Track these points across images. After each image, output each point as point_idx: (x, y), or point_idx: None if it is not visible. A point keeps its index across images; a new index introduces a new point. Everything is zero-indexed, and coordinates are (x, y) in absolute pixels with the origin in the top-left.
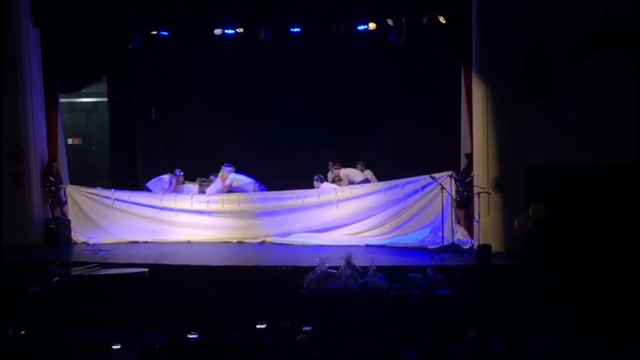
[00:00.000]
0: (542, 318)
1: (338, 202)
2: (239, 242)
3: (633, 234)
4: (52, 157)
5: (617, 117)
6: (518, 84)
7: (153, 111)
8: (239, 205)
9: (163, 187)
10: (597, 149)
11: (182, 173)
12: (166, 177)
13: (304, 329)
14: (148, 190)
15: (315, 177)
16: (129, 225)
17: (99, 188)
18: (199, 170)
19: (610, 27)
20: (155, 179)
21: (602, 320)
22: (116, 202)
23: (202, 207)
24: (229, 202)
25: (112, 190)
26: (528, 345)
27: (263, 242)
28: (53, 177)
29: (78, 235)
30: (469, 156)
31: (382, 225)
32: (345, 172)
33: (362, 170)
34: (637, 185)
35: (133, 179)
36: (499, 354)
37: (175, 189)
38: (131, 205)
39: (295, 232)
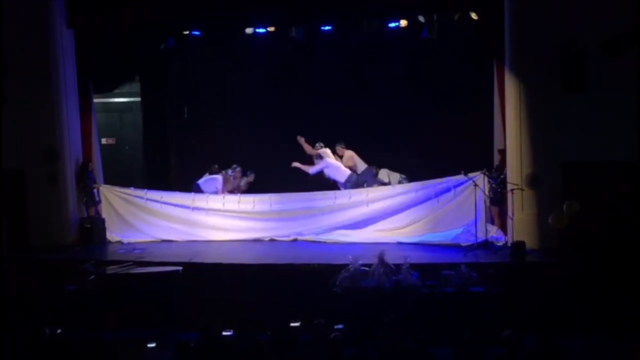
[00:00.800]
0: (578, 316)
1: (369, 202)
2: (271, 240)
3: None
4: (87, 157)
5: None
6: (551, 80)
7: (186, 111)
8: (271, 206)
9: (216, 187)
10: (632, 145)
11: (238, 167)
12: (219, 177)
13: (335, 327)
14: (199, 189)
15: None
16: (161, 224)
17: (132, 188)
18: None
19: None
20: (208, 177)
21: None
22: (148, 202)
23: (234, 207)
24: (261, 202)
25: (145, 190)
26: (566, 345)
27: (295, 240)
28: (88, 177)
29: (112, 234)
30: (502, 152)
31: (415, 223)
32: (351, 153)
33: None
34: None
35: (166, 178)
36: (535, 354)
37: (234, 186)
38: (163, 205)
39: (327, 230)
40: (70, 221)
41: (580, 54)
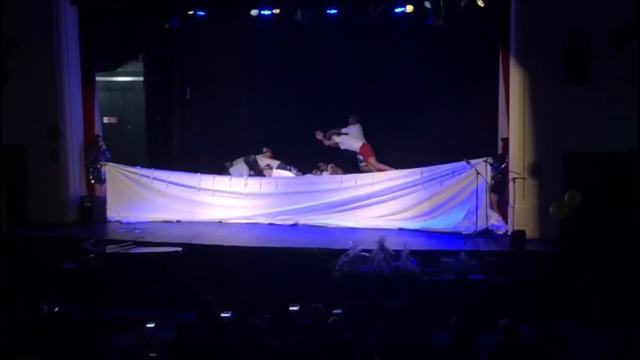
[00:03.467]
0: (578, 305)
1: (374, 183)
2: (271, 224)
3: None
4: (90, 135)
5: None
6: (556, 69)
7: (188, 91)
8: (277, 187)
9: (243, 174)
10: (635, 136)
11: (268, 150)
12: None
13: (334, 311)
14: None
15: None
16: (165, 204)
17: (138, 167)
18: (234, 150)
19: None
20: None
21: (637, 308)
22: (154, 181)
23: (240, 189)
24: (267, 184)
25: (152, 169)
26: (566, 334)
27: (296, 224)
28: (96, 153)
29: (113, 213)
30: (506, 141)
31: (416, 206)
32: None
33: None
34: None
35: (168, 158)
36: (533, 342)
37: (265, 168)
38: (169, 185)
39: (331, 210)
40: (70, 199)
41: (586, 44)
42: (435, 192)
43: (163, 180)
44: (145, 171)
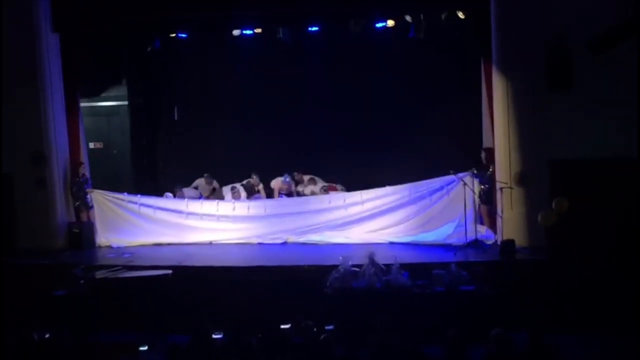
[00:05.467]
0: (568, 314)
1: (363, 202)
2: (261, 243)
3: None
4: (75, 161)
5: None
6: (538, 77)
7: (176, 112)
8: (265, 210)
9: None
10: (620, 142)
11: (255, 176)
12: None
13: (326, 327)
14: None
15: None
16: (153, 229)
17: (125, 194)
18: (221, 172)
19: (631, 19)
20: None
21: (627, 316)
22: (142, 207)
23: (228, 212)
24: (255, 207)
25: (139, 195)
26: (557, 343)
27: (285, 243)
28: (80, 182)
29: (102, 238)
30: (487, 151)
31: (406, 222)
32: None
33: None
34: None
35: (154, 182)
36: (525, 352)
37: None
38: (156, 210)
39: (318, 230)
40: (58, 226)
41: (567, 51)
42: (424, 206)
43: (150, 206)
44: (132, 197)
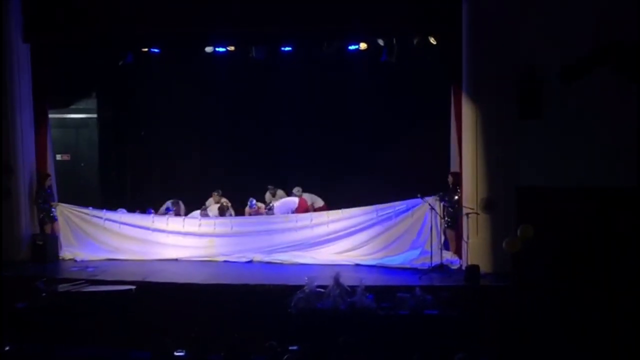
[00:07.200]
0: (531, 339)
1: (329, 222)
2: (226, 261)
3: (625, 255)
4: (42, 173)
5: (610, 138)
6: (509, 105)
7: (142, 132)
8: (232, 228)
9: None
10: (588, 170)
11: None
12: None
13: (290, 348)
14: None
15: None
16: (118, 244)
17: (90, 208)
18: (188, 189)
19: (601, 50)
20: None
21: (590, 343)
22: (107, 222)
23: (194, 229)
24: (222, 225)
25: (104, 210)
26: None
27: (251, 261)
28: (46, 194)
29: (66, 252)
30: (454, 174)
31: (371, 242)
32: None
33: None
34: (635, 206)
35: (122, 195)
36: None
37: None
38: (122, 225)
39: (286, 249)
40: (22, 237)
41: (538, 79)
42: (389, 226)
43: (115, 222)
44: (96, 212)
